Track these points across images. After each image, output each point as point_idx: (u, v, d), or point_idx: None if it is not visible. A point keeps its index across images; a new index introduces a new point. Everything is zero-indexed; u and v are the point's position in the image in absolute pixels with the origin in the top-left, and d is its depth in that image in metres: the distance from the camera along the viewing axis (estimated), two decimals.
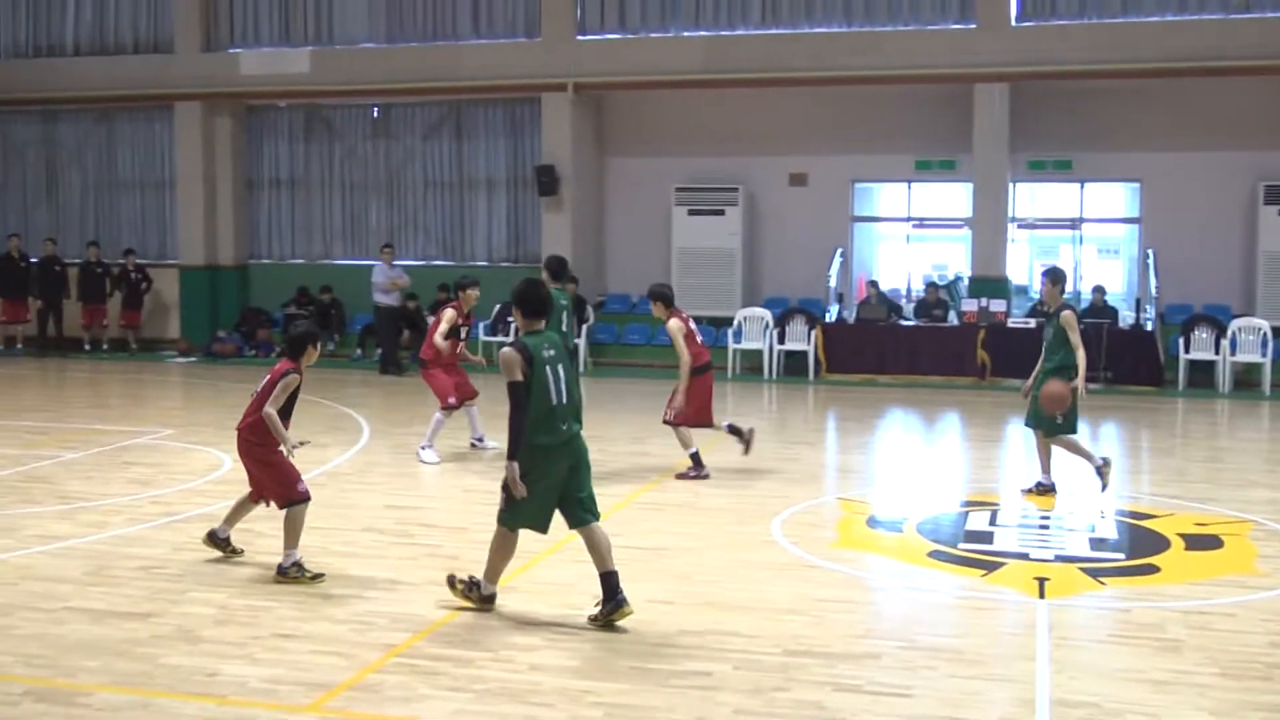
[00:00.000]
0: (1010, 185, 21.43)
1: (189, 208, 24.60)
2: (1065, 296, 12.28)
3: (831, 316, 21.38)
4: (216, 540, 9.33)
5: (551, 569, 9.09)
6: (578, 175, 22.70)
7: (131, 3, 25.07)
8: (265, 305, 24.10)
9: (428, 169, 24.08)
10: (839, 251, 21.96)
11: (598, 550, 7.84)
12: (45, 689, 6.84)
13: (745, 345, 21.24)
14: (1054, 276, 12.02)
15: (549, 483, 7.79)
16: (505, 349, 7.75)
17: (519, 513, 7.89)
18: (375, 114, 24.21)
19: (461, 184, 23.92)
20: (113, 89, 24.70)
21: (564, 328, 12.71)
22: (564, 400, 7.77)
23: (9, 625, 7.89)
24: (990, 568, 9.28)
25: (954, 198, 22.56)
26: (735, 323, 21.38)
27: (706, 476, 12.40)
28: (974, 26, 21.03)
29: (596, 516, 7.93)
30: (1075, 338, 11.49)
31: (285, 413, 8.82)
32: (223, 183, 24.58)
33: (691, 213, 22.40)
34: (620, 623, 7.74)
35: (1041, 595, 8.61)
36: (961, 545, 9.97)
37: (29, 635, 7.69)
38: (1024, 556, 9.64)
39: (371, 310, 21.75)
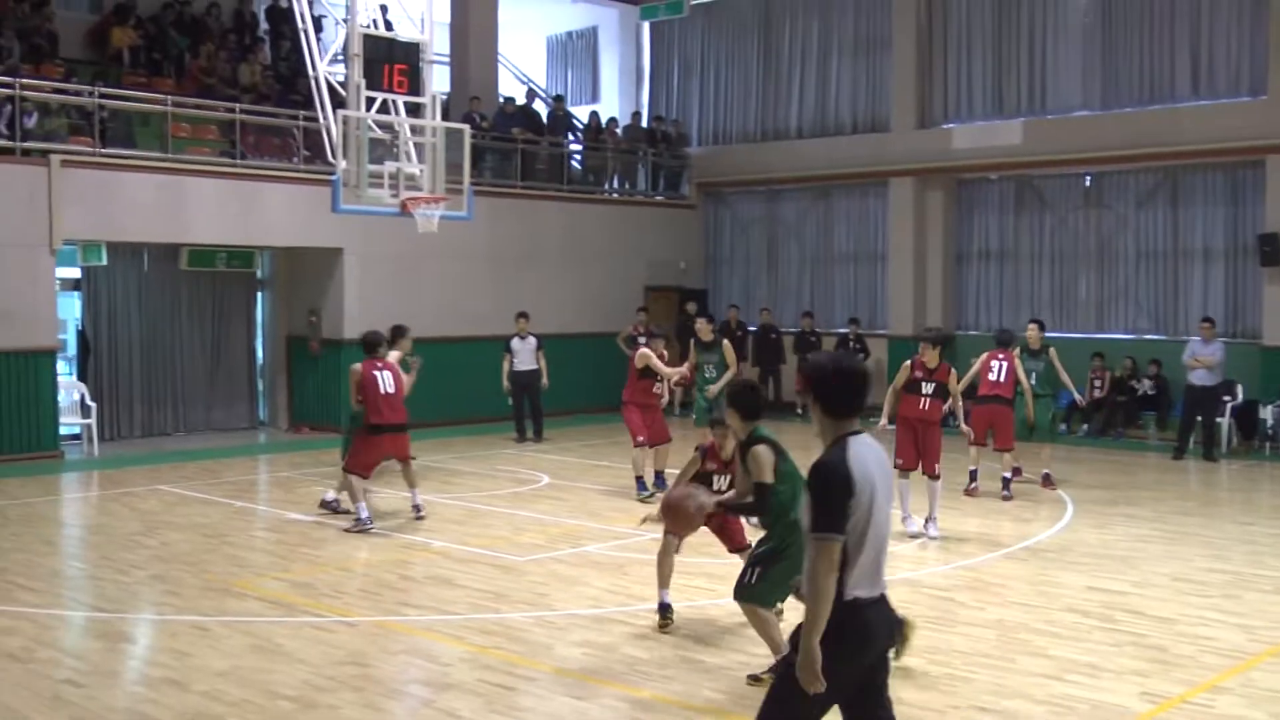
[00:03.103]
0: None
1: (899, 280, 25.35)
2: None
3: None
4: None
5: (1271, 673, 8.43)
6: None
7: (851, 88, 26.42)
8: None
9: (1140, 239, 23.24)
10: None
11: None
12: None
13: None
14: None
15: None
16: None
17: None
18: (1087, 183, 23.77)
19: (1175, 253, 22.85)
20: (831, 168, 26.07)
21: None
22: None
23: (723, 666, 8.43)
24: None
25: None
26: None
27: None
28: None
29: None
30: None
31: None
32: (933, 255, 25.13)
33: None
34: None
35: None
36: None
37: (740, 677, 8.18)
38: None
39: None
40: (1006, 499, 15.44)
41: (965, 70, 24.81)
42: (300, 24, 16.66)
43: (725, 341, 16.07)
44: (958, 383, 13.39)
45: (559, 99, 27.71)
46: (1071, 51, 23.53)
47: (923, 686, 8.02)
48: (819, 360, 5.17)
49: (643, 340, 24.73)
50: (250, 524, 13.98)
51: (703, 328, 16.32)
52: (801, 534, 6.53)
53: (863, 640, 4.99)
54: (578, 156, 27.01)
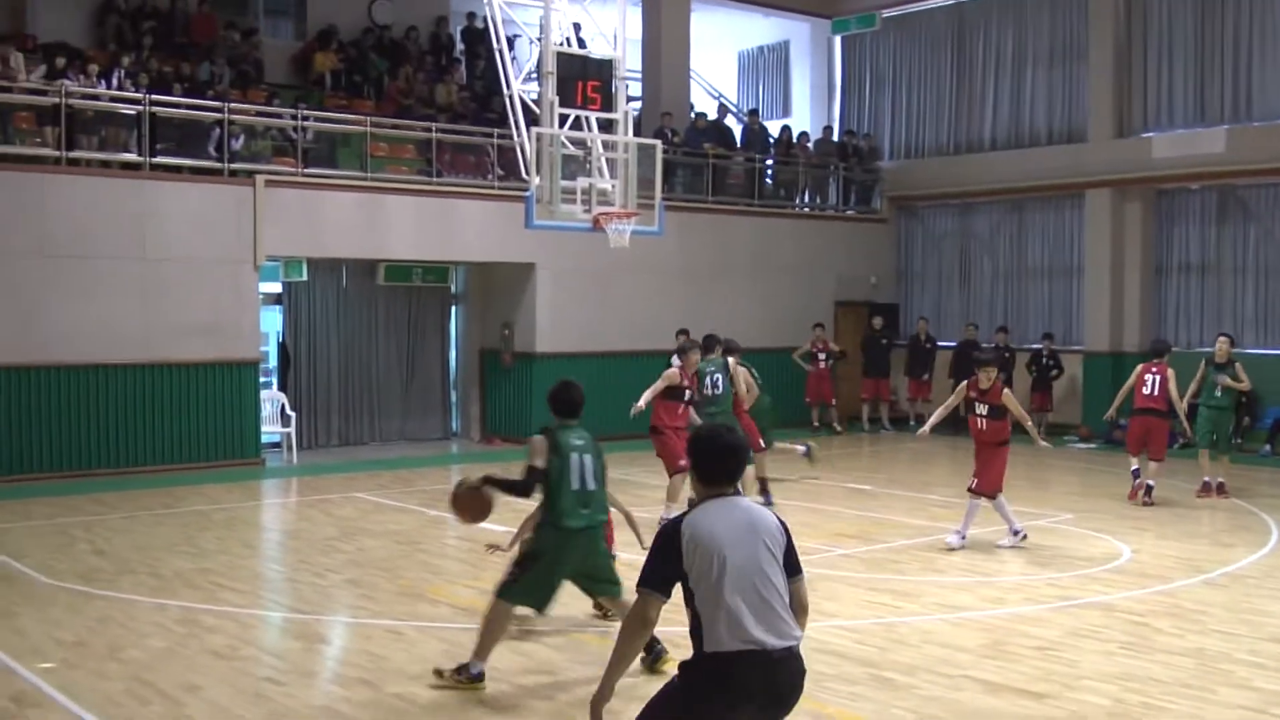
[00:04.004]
0: None
1: (1095, 294, 24.68)
2: None
3: None
4: None
5: None
6: None
7: (1046, 97, 25.84)
8: None
9: None
10: None
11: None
12: None
13: None
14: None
15: (560, 567, 8.29)
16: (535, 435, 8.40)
17: (525, 590, 8.30)
18: None
19: None
20: (1026, 180, 25.53)
21: (718, 390, 14.78)
22: (585, 488, 8.23)
23: (911, 684, 8.33)
24: None
25: None
26: None
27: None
28: None
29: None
30: None
31: None
32: (1130, 269, 24.41)
33: None
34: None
35: None
36: None
37: (929, 696, 8.07)
38: None
39: None
40: (1147, 504, 15.92)
41: (1166, 76, 24.05)
42: (495, 44, 16.98)
43: (730, 360, 15.60)
44: (1015, 402, 13.32)
45: (754, 113, 27.70)
46: (1279, 54, 22.65)
47: (1116, 715, 7.79)
48: (699, 432, 5.53)
49: (822, 358, 24.64)
50: (443, 532, 14.27)
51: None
52: (563, 540, 8.17)
53: (723, 691, 5.04)
54: (769, 171, 26.97)
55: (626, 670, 5.22)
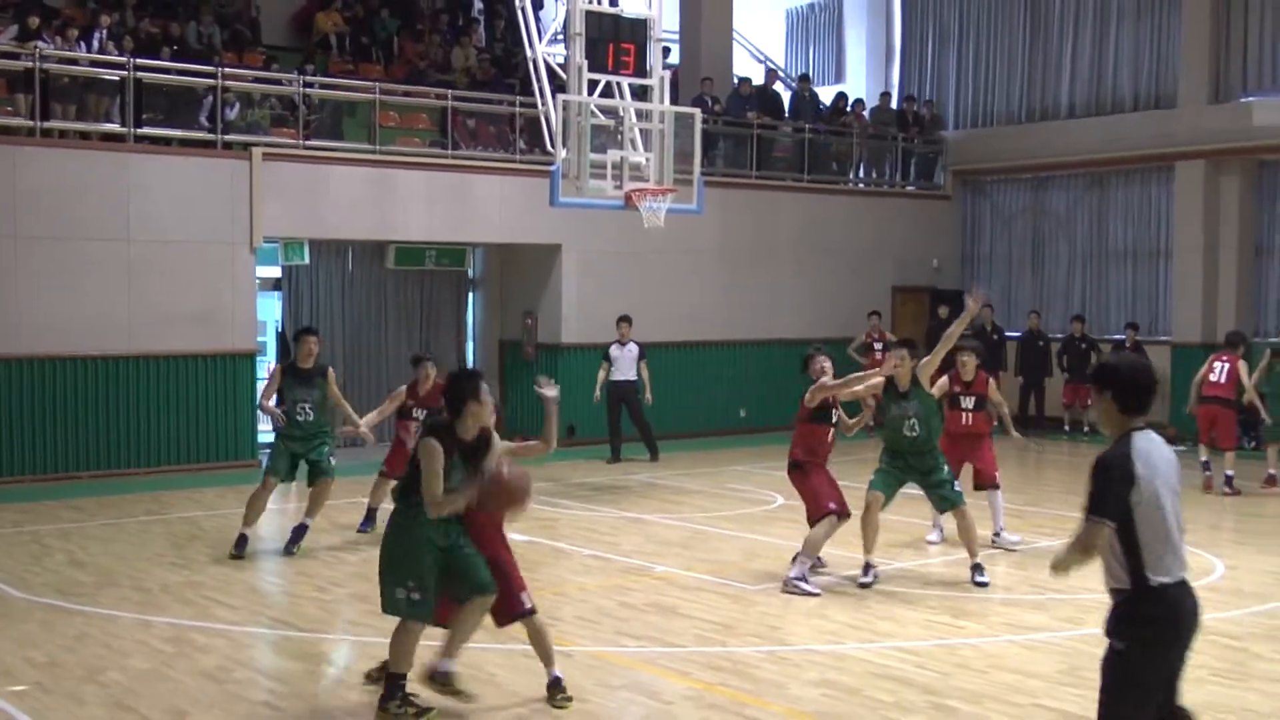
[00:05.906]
0: None
1: (1185, 279, 24.46)
2: None
3: None
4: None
5: None
6: None
7: (1132, 58, 25.56)
8: None
9: None
10: None
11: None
12: None
13: None
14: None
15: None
16: None
17: None
18: None
19: None
20: (1108, 151, 25.31)
21: None
22: None
23: (977, 713, 8.28)
24: None
25: None
26: None
27: None
28: None
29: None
30: None
31: None
32: (1226, 250, 24.17)
33: None
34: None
35: None
36: None
37: None
38: None
39: None
40: (1228, 494, 17.19)
41: (1270, 32, 23.77)
42: (517, 2, 16.99)
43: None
44: (999, 393, 14.05)
45: (804, 79, 27.61)
46: None
47: None
48: (1122, 362, 6.09)
49: (879, 349, 24.23)
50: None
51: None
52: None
53: (1175, 622, 5.75)
54: (820, 143, 26.81)
55: (1075, 568, 5.73)
